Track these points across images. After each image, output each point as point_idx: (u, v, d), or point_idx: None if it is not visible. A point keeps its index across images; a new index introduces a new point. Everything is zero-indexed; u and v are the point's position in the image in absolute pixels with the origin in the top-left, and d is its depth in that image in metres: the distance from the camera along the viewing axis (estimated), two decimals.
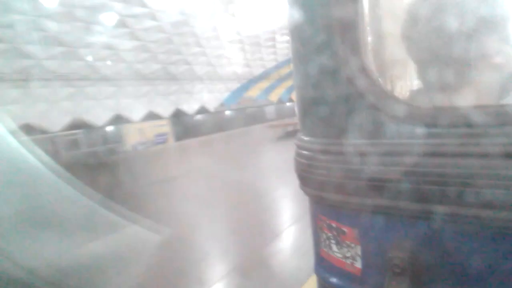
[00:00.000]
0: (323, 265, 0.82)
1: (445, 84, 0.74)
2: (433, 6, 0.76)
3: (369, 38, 0.68)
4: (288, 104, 28.34)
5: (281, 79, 26.20)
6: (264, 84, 25.42)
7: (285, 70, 25.64)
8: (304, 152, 0.79)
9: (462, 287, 0.60)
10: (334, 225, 0.75)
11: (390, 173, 0.61)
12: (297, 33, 0.78)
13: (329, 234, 0.77)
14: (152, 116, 17.44)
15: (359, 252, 0.71)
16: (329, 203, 0.76)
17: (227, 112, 22.34)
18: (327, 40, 0.69)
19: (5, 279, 2.11)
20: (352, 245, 0.72)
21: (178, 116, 18.88)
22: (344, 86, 0.67)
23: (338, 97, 0.70)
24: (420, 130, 0.58)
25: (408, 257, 0.60)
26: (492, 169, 0.51)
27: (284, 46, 22.35)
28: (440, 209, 0.57)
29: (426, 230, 0.60)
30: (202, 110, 20.68)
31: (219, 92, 21.81)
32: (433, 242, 0.60)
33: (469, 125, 0.54)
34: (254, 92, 24.75)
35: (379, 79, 0.67)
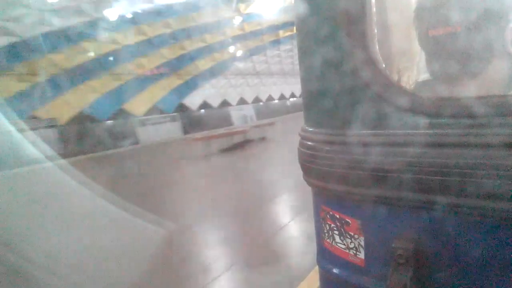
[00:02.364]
0: (326, 256, 0.86)
1: (455, 75, 0.80)
2: None
3: (376, 29, 0.72)
4: (110, 122, 12.88)
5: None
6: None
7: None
8: (308, 142, 0.83)
9: (466, 277, 0.64)
10: (337, 216, 0.80)
11: (395, 163, 0.66)
12: (304, 25, 0.82)
13: (332, 225, 0.81)
14: None
15: (362, 243, 0.76)
16: (332, 193, 0.81)
17: None
18: (334, 31, 0.73)
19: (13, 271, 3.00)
20: (356, 236, 0.76)
21: None
22: (350, 77, 0.72)
23: (343, 87, 0.74)
24: (424, 121, 0.63)
25: (412, 248, 0.65)
26: (497, 159, 0.55)
27: None
28: (444, 199, 0.62)
29: (430, 221, 0.65)
30: None
31: None
32: (437, 232, 0.65)
33: (473, 115, 0.58)
34: None
35: (386, 70, 0.72)
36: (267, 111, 24.68)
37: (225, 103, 22.55)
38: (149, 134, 16.17)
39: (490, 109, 0.57)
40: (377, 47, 0.70)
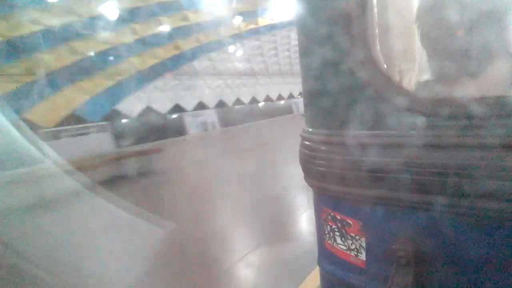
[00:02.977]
0: (327, 257, 0.90)
1: (456, 75, 0.83)
2: None
3: (377, 29, 0.75)
4: None
5: None
6: None
7: None
8: (308, 143, 0.86)
9: (467, 278, 0.67)
10: (338, 217, 0.83)
11: (395, 164, 0.68)
12: (304, 25, 0.85)
13: (334, 226, 0.84)
14: None
15: (364, 244, 0.78)
16: (333, 195, 0.84)
17: None
18: (335, 31, 0.76)
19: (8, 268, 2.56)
20: (357, 237, 0.79)
21: None
22: (352, 78, 0.75)
23: (345, 88, 0.77)
24: (425, 121, 0.65)
25: (413, 249, 0.67)
26: (495, 160, 0.57)
27: None
28: (444, 200, 0.64)
29: (431, 221, 0.68)
30: None
31: None
32: (438, 233, 0.68)
33: (471, 116, 0.60)
34: None
35: (386, 70, 0.76)
36: (234, 116, 21.44)
37: (177, 109, 19.28)
38: (63, 149, 12.80)
39: (488, 110, 0.59)
40: (378, 47, 0.72)
